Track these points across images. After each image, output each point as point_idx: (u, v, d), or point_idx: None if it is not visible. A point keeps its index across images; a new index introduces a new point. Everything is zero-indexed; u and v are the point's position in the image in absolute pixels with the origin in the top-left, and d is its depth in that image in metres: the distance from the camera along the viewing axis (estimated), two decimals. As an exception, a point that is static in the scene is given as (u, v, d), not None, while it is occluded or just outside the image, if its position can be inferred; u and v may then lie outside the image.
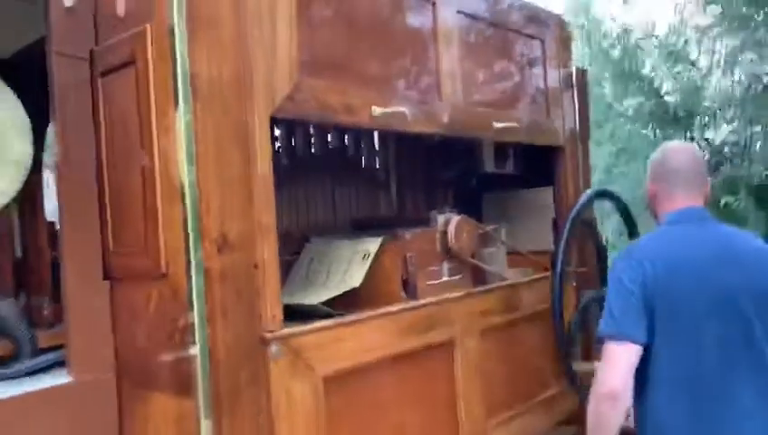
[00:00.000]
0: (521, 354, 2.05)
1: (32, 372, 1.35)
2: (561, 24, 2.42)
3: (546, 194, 2.42)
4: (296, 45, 1.40)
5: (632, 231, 2.32)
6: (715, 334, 1.57)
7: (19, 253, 1.49)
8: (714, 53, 5.91)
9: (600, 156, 5.99)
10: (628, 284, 1.59)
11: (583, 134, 3.13)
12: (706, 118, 5.82)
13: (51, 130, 1.43)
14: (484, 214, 2.59)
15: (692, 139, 5.82)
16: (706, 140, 5.82)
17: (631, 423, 1.67)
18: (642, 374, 1.59)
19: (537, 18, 2.26)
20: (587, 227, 2.34)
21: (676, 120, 5.79)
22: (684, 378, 1.58)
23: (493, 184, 2.59)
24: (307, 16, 1.43)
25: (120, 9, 1.36)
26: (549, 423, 2.06)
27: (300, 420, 1.38)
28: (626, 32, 6.21)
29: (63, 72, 1.35)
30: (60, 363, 1.37)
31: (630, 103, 6.21)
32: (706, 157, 5.79)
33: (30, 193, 1.42)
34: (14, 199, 1.34)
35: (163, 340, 1.31)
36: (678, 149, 1.82)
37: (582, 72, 3.19)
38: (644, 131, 6.02)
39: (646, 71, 6.25)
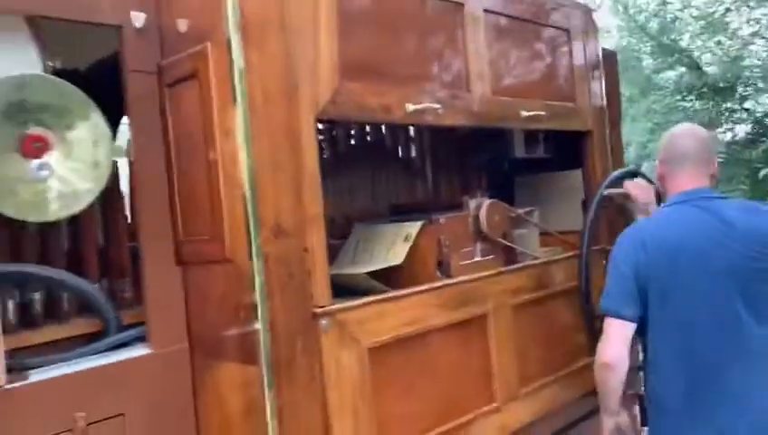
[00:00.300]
0: (551, 329, 2.19)
1: (118, 346, 1.57)
2: (587, 13, 2.52)
3: (575, 176, 2.54)
4: (336, 54, 1.56)
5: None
6: (706, 317, 1.70)
7: (102, 242, 1.71)
8: (754, 21, 5.82)
9: (635, 131, 6.01)
10: (622, 266, 1.76)
11: (614, 116, 3.22)
12: (747, 89, 5.76)
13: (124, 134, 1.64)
14: (516, 197, 2.72)
15: (732, 110, 5.77)
16: (746, 110, 5.76)
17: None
18: (645, 348, 1.76)
19: (562, 9, 2.37)
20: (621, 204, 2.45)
21: (716, 91, 5.74)
22: (677, 359, 1.72)
23: (524, 167, 2.72)
24: (345, 28, 1.59)
25: (183, 27, 1.55)
26: (577, 393, 2.20)
27: (347, 386, 1.56)
28: (663, 3, 6.17)
29: (135, 85, 1.55)
30: (140, 338, 1.59)
31: (669, 76, 6.19)
32: (747, 128, 5.74)
33: (110, 189, 1.63)
34: (98, 196, 1.55)
35: (229, 316, 1.51)
36: (684, 133, 1.93)
37: (612, 55, 3.28)
38: (683, 104, 5.99)
39: (684, 43, 6.20)
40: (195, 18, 1.53)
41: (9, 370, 1.33)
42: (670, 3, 6.10)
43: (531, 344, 2.09)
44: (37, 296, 1.54)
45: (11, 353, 1.36)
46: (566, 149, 2.58)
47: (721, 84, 5.61)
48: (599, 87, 2.53)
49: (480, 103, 1.97)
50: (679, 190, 1.85)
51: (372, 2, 1.69)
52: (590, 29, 2.51)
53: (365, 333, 1.60)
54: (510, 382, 1.99)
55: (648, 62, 6.16)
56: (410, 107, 1.74)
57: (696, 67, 5.80)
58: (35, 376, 1.40)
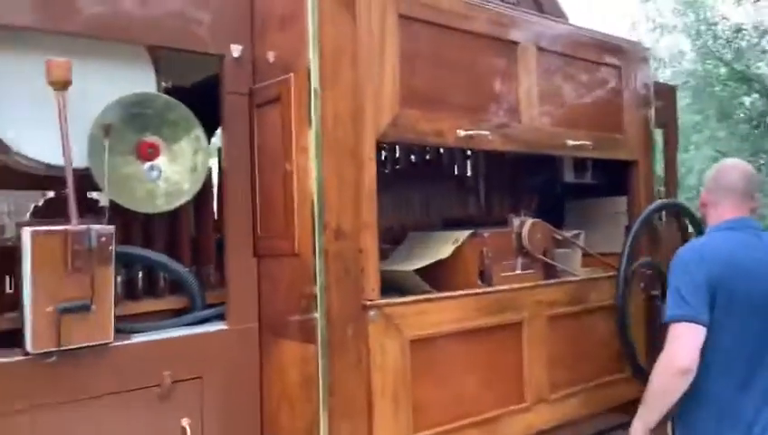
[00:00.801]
0: (584, 342, 2.35)
1: (201, 321, 1.87)
2: (640, 51, 2.68)
3: (621, 202, 2.70)
4: (397, 86, 1.82)
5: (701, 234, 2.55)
6: (757, 327, 1.85)
7: (193, 233, 2.03)
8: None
9: (698, 158, 5.99)
10: (696, 276, 1.86)
11: (671, 146, 3.35)
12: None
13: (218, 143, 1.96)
14: (566, 219, 2.91)
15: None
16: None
17: None
18: None
19: (614, 47, 2.55)
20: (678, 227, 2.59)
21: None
22: (729, 359, 1.87)
23: (575, 191, 2.89)
24: (406, 61, 1.85)
25: (271, 58, 1.85)
26: (604, 406, 2.36)
27: (389, 371, 1.80)
28: (739, 30, 6.13)
29: (230, 105, 1.86)
30: (220, 316, 1.89)
31: (743, 102, 6.14)
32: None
33: (203, 190, 1.95)
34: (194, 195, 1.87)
35: (293, 302, 1.79)
36: (733, 167, 2.08)
37: (671, 89, 3.41)
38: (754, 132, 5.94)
39: (761, 70, 6.15)
40: (282, 51, 1.83)
41: (116, 331, 1.65)
42: (745, 30, 6.07)
43: (563, 354, 2.26)
44: (140, 274, 1.87)
45: (118, 319, 1.68)
46: (615, 175, 2.74)
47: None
48: (647, 120, 2.68)
49: (528, 132, 2.19)
50: (724, 219, 2.00)
51: (431, 39, 1.94)
52: (642, 66, 2.67)
53: (408, 326, 1.84)
54: (540, 386, 2.18)
55: (719, 87, 6.15)
56: (461, 133, 1.98)
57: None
58: (135, 338, 1.72)
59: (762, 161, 5.28)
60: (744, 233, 1.96)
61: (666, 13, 6.47)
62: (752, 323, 1.85)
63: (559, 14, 3.38)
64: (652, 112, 2.72)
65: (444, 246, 2.16)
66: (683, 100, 6.57)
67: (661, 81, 7.08)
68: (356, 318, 1.76)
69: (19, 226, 1.57)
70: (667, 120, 3.40)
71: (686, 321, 1.82)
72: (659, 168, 3.34)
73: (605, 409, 2.36)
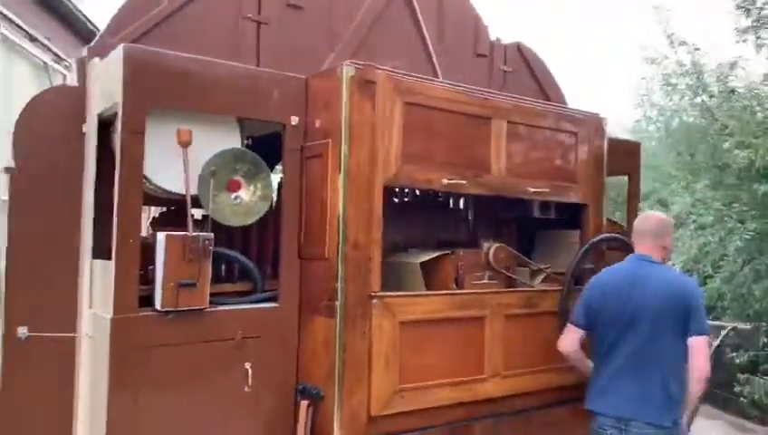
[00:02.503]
0: (534, 337, 3.17)
1: (262, 300, 2.77)
2: (596, 120, 3.52)
3: (575, 235, 3.53)
4: (399, 149, 2.72)
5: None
6: (627, 332, 2.73)
7: (259, 241, 2.94)
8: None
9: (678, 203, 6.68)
10: (585, 294, 2.85)
11: (633, 192, 4.17)
12: None
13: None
14: (536, 245, 3.75)
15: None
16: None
17: None
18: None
19: (572, 118, 3.40)
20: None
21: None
22: (610, 355, 2.77)
23: (545, 224, 3.73)
24: (407, 132, 2.74)
25: (317, 125, 2.76)
26: (545, 386, 3.18)
27: (384, 342, 2.67)
28: (733, 92, 6.81)
29: (289, 157, 2.78)
30: (274, 298, 2.78)
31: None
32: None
33: (268, 212, 2.85)
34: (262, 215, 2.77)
35: (323, 291, 2.67)
36: (647, 216, 2.96)
37: (636, 145, 4.24)
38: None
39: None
40: (323, 122, 2.73)
41: (210, 302, 2.56)
42: (740, 91, 6.76)
43: (515, 344, 3.09)
44: (223, 267, 2.79)
45: (211, 295, 2.58)
46: (575, 213, 3.57)
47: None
48: (598, 172, 3.50)
49: (495, 180, 3.05)
50: (635, 254, 2.88)
51: (425, 116, 2.82)
52: (597, 131, 3.50)
53: (399, 313, 2.72)
54: (496, 365, 3.02)
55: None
56: (445, 181, 2.87)
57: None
58: (220, 307, 2.62)
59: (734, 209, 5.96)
60: (638, 266, 2.83)
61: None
62: (615, 331, 2.78)
63: (551, 85, 4.26)
64: (604, 166, 3.54)
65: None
66: (674, 149, 7.28)
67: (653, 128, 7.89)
68: (363, 304, 2.64)
69: (153, 229, 2.50)
70: (631, 170, 4.23)
71: (570, 323, 2.86)
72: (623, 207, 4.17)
73: (546, 388, 3.19)
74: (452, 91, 2.95)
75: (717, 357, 6.70)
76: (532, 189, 3.21)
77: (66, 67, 6.79)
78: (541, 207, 3.54)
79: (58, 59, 6.79)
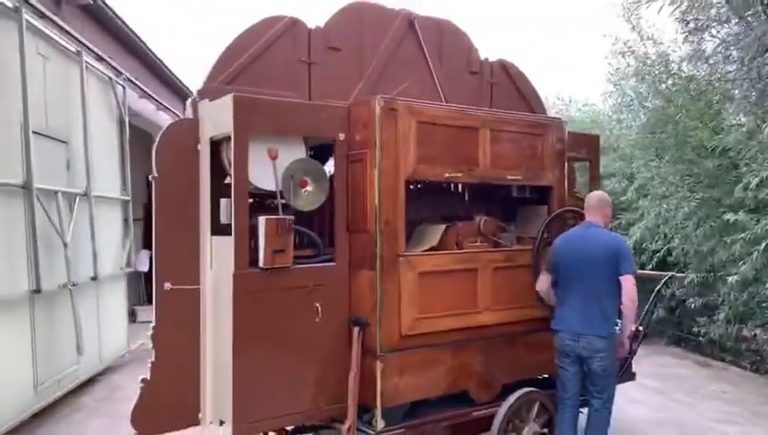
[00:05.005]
0: (514, 283, 4.45)
1: (324, 261, 4.03)
2: (558, 123, 4.76)
3: (544, 209, 4.78)
4: (415, 153, 3.96)
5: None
6: (578, 275, 4.01)
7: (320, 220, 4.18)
8: None
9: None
10: (552, 253, 4.12)
11: (593, 172, 5.41)
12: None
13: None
14: (517, 217, 5.02)
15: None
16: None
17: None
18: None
19: (540, 124, 4.64)
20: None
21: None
22: (566, 290, 4.04)
23: (523, 202, 4.98)
24: (420, 142, 3.98)
25: (358, 138, 4.00)
26: (523, 317, 4.47)
27: (409, 287, 3.94)
28: (691, 80, 7.99)
29: (338, 162, 4.02)
30: (331, 259, 4.04)
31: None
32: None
33: (325, 200, 4.09)
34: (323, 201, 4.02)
35: (365, 253, 3.94)
36: (591, 195, 4.24)
37: (596, 137, 5.48)
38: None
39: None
40: (362, 137, 3.97)
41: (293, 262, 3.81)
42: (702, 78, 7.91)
43: (500, 288, 4.37)
44: (297, 238, 4.04)
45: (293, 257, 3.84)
46: (542, 193, 4.82)
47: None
48: (560, 162, 4.74)
49: (482, 172, 4.30)
50: (585, 221, 4.17)
51: (432, 130, 4.06)
52: (559, 132, 4.74)
53: (419, 266, 3.99)
54: (486, 302, 4.30)
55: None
56: (446, 174, 4.12)
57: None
58: (298, 266, 3.88)
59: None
60: (586, 229, 4.10)
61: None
62: (570, 274, 4.02)
63: (529, 90, 5.47)
64: (564, 158, 4.78)
65: (436, 234, 4.32)
66: (642, 131, 8.50)
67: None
68: (394, 260, 3.91)
69: (255, 215, 3.76)
70: (592, 157, 5.46)
71: (544, 269, 4.12)
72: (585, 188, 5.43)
73: (523, 319, 4.48)
74: (450, 111, 4.21)
75: (660, 300, 8.04)
76: (510, 177, 4.47)
77: (125, 80, 8.11)
78: (518, 189, 4.78)
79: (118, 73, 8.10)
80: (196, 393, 3.90)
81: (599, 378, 4.09)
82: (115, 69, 8.21)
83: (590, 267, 4.04)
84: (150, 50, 11.29)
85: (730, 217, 6.16)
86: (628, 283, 3.99)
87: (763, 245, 5.57)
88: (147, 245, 10.69)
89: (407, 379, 3.96)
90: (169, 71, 12.67)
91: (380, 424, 3.84)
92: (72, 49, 6.94)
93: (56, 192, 6.33)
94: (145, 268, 10.47)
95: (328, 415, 3.97)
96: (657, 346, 9.22)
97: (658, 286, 5.17)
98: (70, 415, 6.20)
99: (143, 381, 3.74)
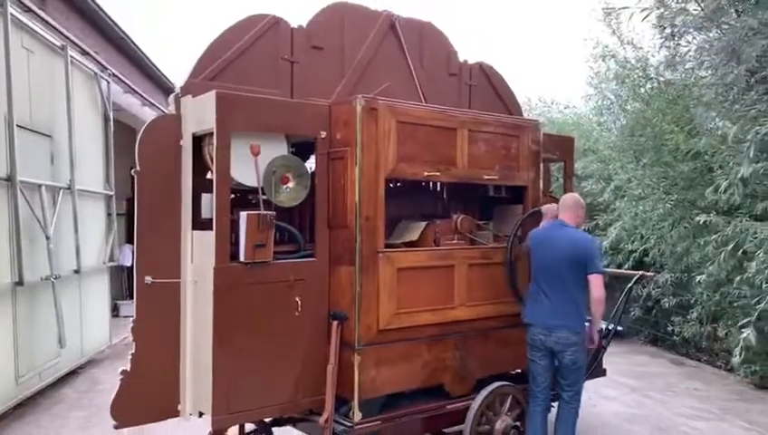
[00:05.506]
0: (489, 280, 4.57)
1: (304, 256, 4.11)
2: (533, 124, 4.88)
3: (519, 208, 4.91)
4: (395, 152, 4.06)
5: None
6: (549, 271, 4.13)
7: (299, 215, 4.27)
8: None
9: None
10: (528, 244, 4.20)
11: (568, 173, 5.54)
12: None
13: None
14: (493, 215, 5.14)
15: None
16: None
17: None
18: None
19: (516, 125, 4.76)
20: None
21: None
22: (536, 284, 4.16)
23: (500, 201, 5.10)
24: (400, 141, 4.08)
25: (339, 137, 4.09)
26: (497, 313, 4.58)
27: (387, 282, 4.04)
28: (669, 85, 8.17)
29: (320, 159, 4.11)
30: (312, 254, 4.13)
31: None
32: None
33: (306, 197, 4.17)
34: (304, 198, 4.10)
35: (345, 248, 4.03)
36: (566, 196, 4.37)
37: (570, 139, 5.61)
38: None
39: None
40: (343, 135, 4.06)
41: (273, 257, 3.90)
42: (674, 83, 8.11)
43: (476, 284, 4.49)
44: (277, 234, 4.12)
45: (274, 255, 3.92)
46: (518, 193, 4.94)
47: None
48: (535, 162, 4.87)
49: (459, 171, 4.41)
50: (557, 220, 4.28)
51: (412, 130, 4.16)
52: (534, 132, 4.86)
53: (397, 262, 4.09)
54: (462, 298, 4.41)
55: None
56: (425, 173, 4.22)
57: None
58: (279, 261, 3.97)
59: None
60: (558, 228, 4.23)
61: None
62: (542, 270, 4.15)
63: (506, 92, 5.59)
64: (539, 159, 4.91)
65: (416, 230, 4.42)
66: (622, 133, 8.68)
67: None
68: (373, 256, 4.00)
69: (237, 210, 3.83)
70: (566, 157, 5.59)
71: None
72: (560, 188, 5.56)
73: (497, 315, 4.59)
74: (430, 111, 4.31)
75: (636, 300, 8.23)
76: (486, 177, 4.58)
77: (110, 76, 8.13)
78: (494, 189, 4.90)
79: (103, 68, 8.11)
80: (176, 385, 3.97)
81: (569, 371, 4.23)
82: (100, 63, 8.22)
83: (561, 265, 4.17)
84: (135, 44, 11.30)
85: (702, 218, 6.32)
86: (595, 282, 4.12)
87: (731, 246, 5.73)
88: (130, 239, 10.70)
89: (384, 372, 4.07)
90: (154, 66, 12.69)
91: (357, 416, 3.93)
92: (57, 43, 6.96)
93: (40, 186, 6.35)
94: (128, 263, 10.49)
95: (306, 407, 4.06)
96: (634, 345, 9.42)
97: (629, 285, 5.32)
98: (51, 407, 6.24)
99: (123, 373, 3.80)
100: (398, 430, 4.17)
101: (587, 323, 4.28)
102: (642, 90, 8.55)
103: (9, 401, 5.76)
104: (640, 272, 5.45)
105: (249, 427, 4.69)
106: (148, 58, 12.14)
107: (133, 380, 3.80)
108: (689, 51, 7.14)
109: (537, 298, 4.29)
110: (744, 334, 5.01)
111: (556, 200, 5.36)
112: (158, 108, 10.92)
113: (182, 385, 3.97)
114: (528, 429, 4.45)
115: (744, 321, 5.26)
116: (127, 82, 9.53)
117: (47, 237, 6.40)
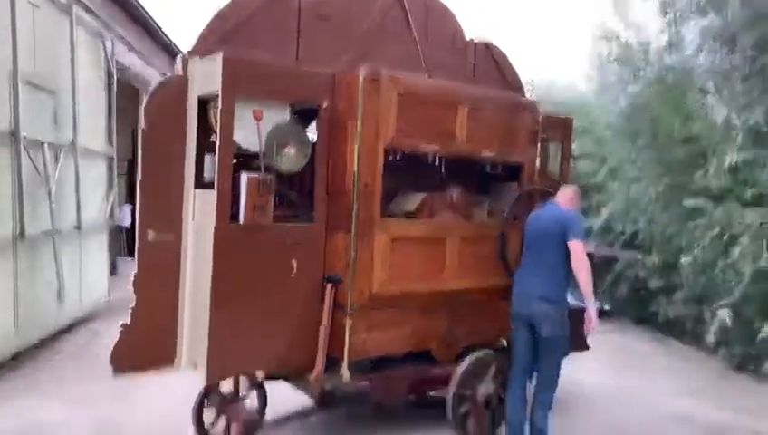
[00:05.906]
0: (480, 253, 4.71)
1: (303, 220, 4.24)
2: (531, 104, 4.98)
3: (515, 186, 5.02)
4: (395, 123, 4.16)
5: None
6: (536, 245, 4.28)
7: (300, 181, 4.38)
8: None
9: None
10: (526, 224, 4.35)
11: (566, 153, 5.65)
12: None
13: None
14: (490, 192, 5.26)
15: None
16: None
17: None
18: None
19: (514, 103, 4.85)
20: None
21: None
22: (526, 258, 4.31)
23: (497, 178, 5.21)
24: (400, 114, 4.18)
25: (342, 106, 4.18)
26: (487, 283, 4.73)
27: (382, 249, 4.18)
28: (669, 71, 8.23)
29: (322, 127, 4.20)
30: (311, 218, 4.26)
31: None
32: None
33: (307, 163, 4.28)
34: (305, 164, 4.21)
35: (342, 214, 4.15)
36: (567, 186, 4.53)
37: (569, 120, 5.71)
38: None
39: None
40: (345, 105, 4.15)
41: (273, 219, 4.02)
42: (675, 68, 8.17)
43: (467, 256, 4.63)
44: (277, 198, 4.24)
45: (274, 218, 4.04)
46: (514, 170, 5.06)
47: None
48: (533, 140, 4.97)
49: (458, 146, 4.52)
50: (553, 202, 4.42)
51: (412, 102, 4.25)
52: (533, 111, 4.96)
53: (392, 231, 4.22)
54: (453, 269, 4.55)
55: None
56: (425, 147, 4.33)
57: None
58: (278, 224, 4.09)
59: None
60: (548, 207, 4.38)
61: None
62: (530, 244, 4.30)
63: (514, 78, 5.66)
64: (537, 137, 5.01)
65: (414, 201, 4.54)
66: (620, 115, 8.77)
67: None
68: (369, 223, 4.13)
69: (237, 173, 3.94)
70: (564, 138, 5.69)
71: None
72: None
73: (486, 286, 4.74)
74: (431, 86, 4.41)
75: (625, 281, 8.36)
76: (484, 153, 4.69)
77: (115, 34, 8.15)
78: (491, 166, 5.02)
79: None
80: (173, 338, 4.11)
81: (545, 353, 4.31)
82: (104, 22, 8.23)
83: (545, 238, 4.29)
84: (140, 4, 11.24)
85: (691, 202, 6.45)
86: (576, 248, 4.19)
87: (716, 230, 5.88)
88: (129, 200, 10.80)
89: (374, 335, 4.23)
90: (158, 27, 12.63)
91: (347, 375, 4.10)
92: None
93: (42, 143, 6.43)
94: (127, 223, 10.61)
95: (298, 366, 4.22)
96: (621, 325, 9.62)
97: (618, 264, 5.47)
98: (50, 357, 6.41)
99: (123, 325, 3.94)
100: (385, 391, 4.35)
101: (580, 303, 4.39)
102: (642, 73, 8.60)
103: (8, 350, 5.92)
104: (627, 251, 5.58)
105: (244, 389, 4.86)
106: (152, 18, 12.08)
107: (132, 331, 3.94)
108: (690, 36, 7.21)
109: (523, 271, 4.44)
110: (720, 315, 5.18)
111: (553, 180, 5.49)
112: (161, 70, 10.92)
113: (179, 338, 4.12)
114: (507, 409, 4.54)
115: (723, 302, 5.43)
116: (130, 41, 9.52)
117: (49, 193, 6.50)
